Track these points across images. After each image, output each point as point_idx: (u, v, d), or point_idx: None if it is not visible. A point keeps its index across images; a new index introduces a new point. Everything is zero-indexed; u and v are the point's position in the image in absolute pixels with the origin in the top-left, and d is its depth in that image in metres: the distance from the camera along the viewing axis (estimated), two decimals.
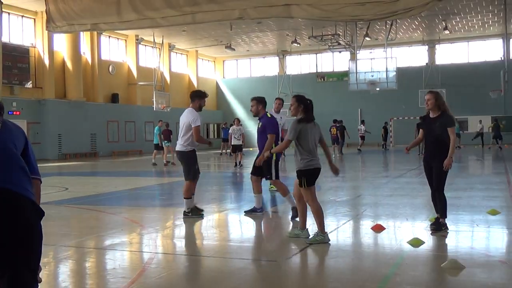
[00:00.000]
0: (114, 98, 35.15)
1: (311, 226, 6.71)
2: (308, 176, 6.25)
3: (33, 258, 2.50)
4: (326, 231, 6.28)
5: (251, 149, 34.13)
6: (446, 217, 6.82)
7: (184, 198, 8.30)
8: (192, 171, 8.22)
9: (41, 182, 2.83)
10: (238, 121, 20.92)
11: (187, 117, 8.16)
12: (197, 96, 8.35)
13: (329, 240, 6.27)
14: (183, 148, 8.21)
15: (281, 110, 11.02)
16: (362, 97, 37.58)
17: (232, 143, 19.99)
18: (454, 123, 6.84)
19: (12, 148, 2.59)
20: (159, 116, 36.75)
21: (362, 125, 34.31)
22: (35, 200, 2.60)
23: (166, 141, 21.72)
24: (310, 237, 6.32)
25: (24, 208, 2.47)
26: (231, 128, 20.72)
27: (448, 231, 6.71)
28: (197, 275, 5.22)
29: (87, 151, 31.91)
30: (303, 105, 6.36)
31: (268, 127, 8.11)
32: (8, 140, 2.60)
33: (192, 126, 8.04)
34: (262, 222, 8.34)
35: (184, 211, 8.30)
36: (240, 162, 19.43)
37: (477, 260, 5.41)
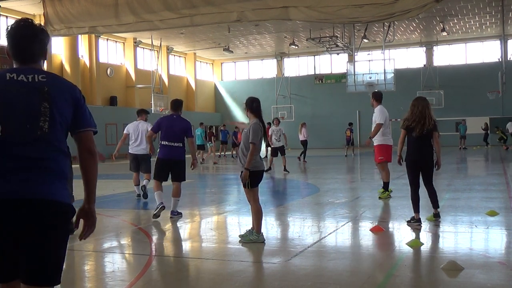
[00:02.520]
0: (112, 101, 35.14)
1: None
2: (254, 177, 6.35)
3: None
4: (262, 231, 6.47)
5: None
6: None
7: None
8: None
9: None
10: (278, 121, 19.04)
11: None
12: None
13: (264, 240, 6.39)
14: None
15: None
16: (360, 99, 37.60)
17: (273, 146, 18.05)
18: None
19: None
20: (158, 119, 36.83)
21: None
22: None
23: (209, 142, 23.79)
24: (243, 234, 6.52)
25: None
26: (270, 129, 18.56)
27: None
28: (196, 278, 5.21)
29: None
30: (250, 108, 6.46)
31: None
32: None
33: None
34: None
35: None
36: (285, 168, 17.41)
37: (476, 261, 5.41)
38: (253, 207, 6.47)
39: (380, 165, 10.54)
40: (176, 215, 8.56)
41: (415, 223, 7.32)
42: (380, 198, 10.21)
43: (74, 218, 2.81)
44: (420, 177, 7.48)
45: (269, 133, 18.04)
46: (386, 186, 10.35)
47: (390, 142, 10.44)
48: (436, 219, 7.54)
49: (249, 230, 6.54)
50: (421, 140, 7.28)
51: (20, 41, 2.82)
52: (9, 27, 2.83)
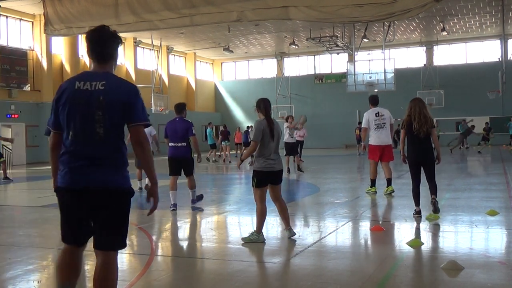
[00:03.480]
0: None
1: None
2: (259, 177, 6.38)
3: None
4: (288, 227, 6.57)
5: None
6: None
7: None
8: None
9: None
10: (292, 119, 18.49)
11: None
12: None
13: (264, 240, 6.45)
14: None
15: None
16: (361, 99, 37.55)
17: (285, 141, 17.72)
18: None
19: None
20: (157, 119, 36.74)
21: None
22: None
23: (225, 141, 24.24)
24: (245, 236, 6.58)
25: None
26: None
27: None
28: (196, 278, 5.21)
29: None
30: (258, 107, 6.54)
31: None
32: None
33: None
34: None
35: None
36: (299, 167, 17.39)
37: (476, 261, 5.41)
38: (256, 207, 6.54)
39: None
40: (197, 201, 9.72)
41: (416, 215, 7.82)
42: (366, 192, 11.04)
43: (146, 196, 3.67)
44: (423, 173, 7.90)
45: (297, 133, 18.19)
46: (372, 182, 11.09)
47: (374, 142, 10.94)
48: (432, 202, 7.71)
49: (252, 231, 6.62)
50: (421, 139, 7.69)
51: (95, 45, 3.49)
52: (88, 33, 3.54)
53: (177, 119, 9.39)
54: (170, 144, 9.41)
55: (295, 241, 6.50)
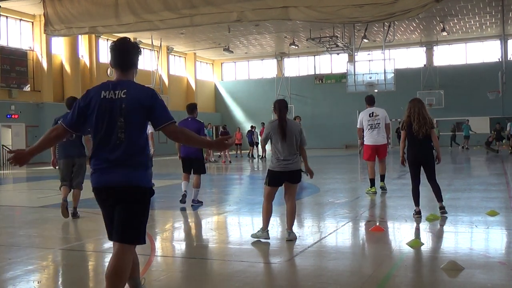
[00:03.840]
0: None
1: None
2: (271, 177, 6.55)
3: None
4: (291, 229, 6.56)
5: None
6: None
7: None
8: None
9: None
10: (299, 119, 18.34)
11: None
12: None
13: (268, 238, 6.51)
14: None
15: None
16: (361, 99, 37.45)
17: None
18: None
19: None
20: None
21: None
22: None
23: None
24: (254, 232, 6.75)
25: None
26: None
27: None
28: (196, 278, 5.21)
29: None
30: (273, 108, 6.72)
31: None
32: None
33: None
34: (261, 225, 8.35)
35: None
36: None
37: (476, 261, 5.41)
38: (262, 204, 6.67)
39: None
40: (196, 203, 9.82)
41: (415, 215, 7.82)
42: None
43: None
44: (422, 173, 7.95)
45: None
46: (371, 182, 11.17)
47: (368, 142, 11.13)
48: (442, 212, 7.84)
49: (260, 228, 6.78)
50: (420, 139, 7.72)
51: (118, 55, 3.89)
52: (112, 44, 3.91)
53: (189, 119, 9.77)
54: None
55: (295, 241, 6.50)
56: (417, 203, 7.91)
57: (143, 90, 3.78)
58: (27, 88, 29.21)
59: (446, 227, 7.31)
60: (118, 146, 3.67)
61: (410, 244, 6.04)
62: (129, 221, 3.66)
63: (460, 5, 29.65)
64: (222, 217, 9.10)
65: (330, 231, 7.38)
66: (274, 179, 6.52)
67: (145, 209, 3.75)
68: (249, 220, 8.76)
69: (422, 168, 7.95)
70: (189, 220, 8.74)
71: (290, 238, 6.49)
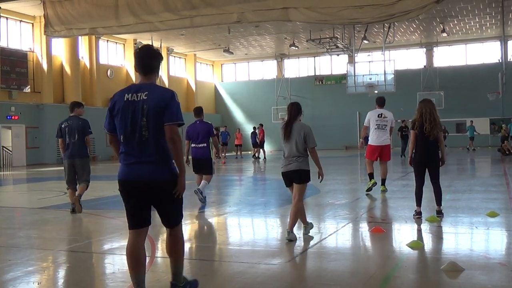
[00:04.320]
0: None
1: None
2: (283, 177, 6.85)
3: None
4: (291, 229, 6.62)
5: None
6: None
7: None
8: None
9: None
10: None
11: None
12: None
13: (290, 239, 6.52)
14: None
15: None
16: (360, 100, 37.63)
17: None
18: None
19: None
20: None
21: None
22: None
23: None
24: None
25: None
26: None
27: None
28: (196, 279, 5.20)
29: None
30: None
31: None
32: None
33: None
34: (261, 226, 8.35)
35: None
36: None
37: (477, 262, 5.41)
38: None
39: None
40: (199, 194, 9.99)
41: (416, 216, 7.83)
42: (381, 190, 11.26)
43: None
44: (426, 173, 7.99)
45: None
46: (370, 176, 11.37)
47: (373, 142, 11.30)
48: (438, 216, 7.81)
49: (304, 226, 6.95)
50: (429, 140, 7.74)
51: (142, 60, 4.25)
52: (135, 50, 4.32)
53: (198, 121, 10.31)
54: (192, 145, 10.25)
55: (295, 242, 6.50)
56: (418, 203, 7.90)
57: (163, 92, 4.17)
58: (27, 89, 29.22)
59: (446, 228, 7.30)
60: (143, 143, 4.07)
61: (410, 245, 6.03)
62: (168, 209, 4.23)
63: (460, 6, 29.67)
64: (222, 218, 9.10)
65: (331, 232, 7.38)
66: (284, 180, 6.86)
67: (172, 198, 4.15)
68: (249, 222, 8.76)
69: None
70: (188, 221, 8.73)
71: (289, 238, 6.49)
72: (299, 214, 6.77)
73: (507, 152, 24.34)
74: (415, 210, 7.92)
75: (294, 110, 6.80)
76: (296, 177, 6.67)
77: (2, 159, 27.50)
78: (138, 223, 4.18)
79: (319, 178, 6.78)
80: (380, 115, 11.17)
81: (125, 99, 4.12)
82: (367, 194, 10.96)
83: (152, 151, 4.07)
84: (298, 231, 7.04)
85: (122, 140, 4.14)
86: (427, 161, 7.87)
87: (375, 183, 11.08)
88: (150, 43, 33.70)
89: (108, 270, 5.60)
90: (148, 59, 4.27)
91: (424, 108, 7.76)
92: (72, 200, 9.27)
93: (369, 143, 11.35)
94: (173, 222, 4.33)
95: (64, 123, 9.40)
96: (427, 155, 7.84)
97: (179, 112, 4.13)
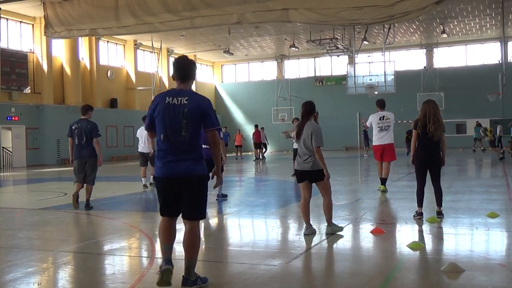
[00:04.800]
0: (113, 103, 35.15)
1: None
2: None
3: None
4: (308, 224, 7.00)
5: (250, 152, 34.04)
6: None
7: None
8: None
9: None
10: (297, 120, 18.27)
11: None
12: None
13: (309, 233, 6.85)
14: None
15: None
16: (361, 101, 37.64)
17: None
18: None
19: None
20: None
21: None
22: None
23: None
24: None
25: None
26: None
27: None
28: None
29: None
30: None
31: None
32: None
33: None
34: (261, 227, 8.35)
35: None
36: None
37: (477, 263, 5.41)
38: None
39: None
40: (221, 198, 10.77)
41: (417, 216, 7.88)
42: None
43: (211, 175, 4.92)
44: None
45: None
46: (380, 180, 11.75)
47: (376, 142, 11.71)
48: (439, 217, 7.82)
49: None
50: (431, 141, 7.76)
51: (180, 69, 4.71)
52: (174, 60, 4.79)
53: None
54: (203, 146, 10.84)
55: (295, 243, 6.49)
56: (420, 204, 7.92)
57: (202, 99, 4.68)
58: (28, 90, 29.23)
59: (446, 229, 7.30)
60: (181, 143, 4.57)
61: (410, 246, 6.03)
62: (196, 203, 4.67)
63: (460, 7, 29.67)
64: (222, 219, 9.10)
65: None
66: (296, 177, 7.13)
67: (204, 192, 4.68)
68: (249, 222, 8.76)
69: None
70: None
71: (305, 231, 6.92)
72: (331, 207, 7.05)
73: (501, 156, 24.17)
74: (416, 211, 7.94)
75: (306, 109, 6.96)
76: (311, 177, 6.90)
77: (2, 160, 27.50)
78: (169, 213, 4.75)
79: (323, 178, 6.82)
80: (381, 118, 11.50)
81: (166, 101, 4.59)
82: (378, 190, 11.58)
83: (189, 150, 4.60)
84: (299, 232, 7.02)
85: (162, 138, 4.60)
86: (429, 162, 7.87)
87: (384, 190, 11.38)
88: (150, 44, 33.79)
89: (108, 271, 5.60)
90: (185, 68, 4.73)
91: (428, 108, 7.75)
92: (77, 191, 9.91)
93: (373, 144, 11.77)
94: (196, 216, 4.73)
95: (75, 124, 9.87)
96: (429, 156, 7.84)
97: (217, 118, 4.74)
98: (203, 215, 4.81)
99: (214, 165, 5.81)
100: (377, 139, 11.60)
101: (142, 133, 13.81)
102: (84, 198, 9.90)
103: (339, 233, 6.98)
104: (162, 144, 4.62)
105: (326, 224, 7.04)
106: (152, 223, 8.74)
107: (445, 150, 7.93)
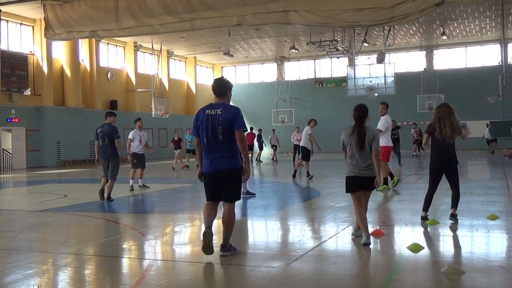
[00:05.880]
0: (113, 105, 35.16)
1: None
2: (346, 182, 6.64)
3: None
4: (362, 230, 6.49)
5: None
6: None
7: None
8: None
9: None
10: (314, 123, 17.11)
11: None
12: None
13: (358, 235, 6.65)
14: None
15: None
16: (361, 103, 37.58)
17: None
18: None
19: None
20: (158, 123, 36.68)
21: None
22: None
23: (178, 149, 24.02)
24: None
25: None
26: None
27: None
28: (196, 282, 5.20)
29: (85, 158, 31.88)
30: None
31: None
32: None
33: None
34: (261, 228, 8.34)
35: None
36: (307, 173, 16.31)
37: (477, 265, 5.40)
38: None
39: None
40: (247, 195, 11.34)
41: (421, 220, 7.80)
42: (377, 190, 11.17)
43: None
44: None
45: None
46: (384, 181, 12.04)
47: (388, 143, 12.43)
48: (451, 218, 7.70)
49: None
50: (445, 146, 7.61)
51: (217, 87, 6.08)
52: (213, 81, 6.17)
53: None
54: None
55: (295, 245, 6.49)
56: (426, 208, 7.85)
57: (231, 109, 5.93)
58: (28, 92, 29.23)
59: (446, 231, 7.30)
60: (220, 144, 5.85)
61: (410, 248, 6.03)
62: (234, 189, 5.97)
63: (460, 9, 29.69)
64: None
65: (331, 235, 7.38)
66: (348, 185, 6.61)
67: (239, 181, 6.01)
68: (249, 224, 8.75)
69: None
70: (188, 224, 8.73)
71: (365, 242, 6.36)
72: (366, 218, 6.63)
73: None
74: (421, 215, 7.85)
75: (361, 113, 6.58)
76: (369, 183, 6.52)
77: (2, 161, 27.50)
78: (212, 198, 6.03)
79: (375, 185, 6.58)
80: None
81: (206, 113, 5.90)
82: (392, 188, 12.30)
83: (225, 149, 5.86)
84: (299, 234, 7.00)
85: (205, 142, 5.89)
86: (444, 168, 7.75)
87: (399, 180, 12.52)
88: (151, 46, 33.78)
89: (108, 273, 5.59)
90: (221, 87, 6.06)
91: (440, 112, 7.62)
92: (103, 185, 11.53)
93: (385, 144, 11.99)
94: (233, 198, 6.00)
95: (99, 128, 11.62)
96: (443, 163, 7.72)
97: (244, 122, 5.92)
98: (238, 198, 6.07)
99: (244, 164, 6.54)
100: (389, 141, 12.50)
101: (136, 135, 14.06)
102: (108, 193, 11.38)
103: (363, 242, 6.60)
104: (206, 146, 5.91)
105: (363, 233, 6.51)
106: (151, 225, 8.75)
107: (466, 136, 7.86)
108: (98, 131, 11.54)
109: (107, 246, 6.95)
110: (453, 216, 7.73)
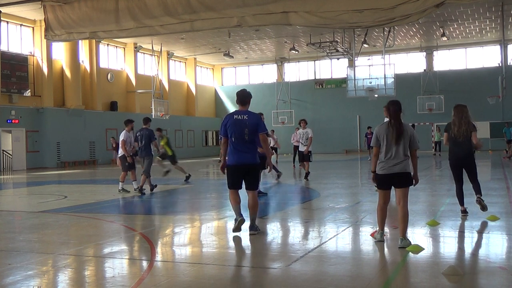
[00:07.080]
0: (113, 106, 35.18)
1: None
2: (377, 179, 6.55)
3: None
4: (404, 235, 6.31)
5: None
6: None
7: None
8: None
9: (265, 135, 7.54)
10: (305, 123, 16.70)
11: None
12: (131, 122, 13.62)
13: (381, 240, 6.50)
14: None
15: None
16: (361, 104, 37.67)
17: (299, 149, 16.94)
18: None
19: None
20: (158, 124, 36.70)
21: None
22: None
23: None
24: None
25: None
26: (298, 132, 17.50)
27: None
28: (196, 283, 5.20)
29: (85, 159, 31.88)
30: (387, 109, 6.51)
31: None
32: None
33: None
34: (261, 229, 8.34)
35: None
36: (306, 175, 16.47)
37: (477, 266, 5.40)
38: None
39: None
40: (261, 194, 11.54)
41: (462, 214, 8.41)
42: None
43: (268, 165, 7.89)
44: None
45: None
46: None
47: None
48: (478, 199, 8.41)
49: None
50: (463, 143, 8.33)
51: (241, 97, 7.50)
52: (237, 92, 7.59)
53: None
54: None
55: (296, 246, 6.48)
56: (461, 202, 8.47)
57: (255, 115, 7.42)
58: (28, 93, 29.25)
59: (446, 232, 7.30)
60: (246, 142, 7.25)
61: (410, 249, 6.02)
62: (254, 179, 7.47)
63: (460, 10, 29.72)
64: (222, 222, 9.09)
65: (331, 236, 7.37)
66: (380, 182, 6.53)
67: (259, 173, 7.66)
68: (247, 224, 8.73)
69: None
70: (188, 225, 8.73)
71: (402, 245, 6.21)
72: (407, 218, 6.38)
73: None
74: (460, 209, 8.45)
75: (396, 108, 6.40)
76: (400, 180, 6.35)
77: (2, 163, 27.50)
78: (234, 187, 7.37)
79: (413, 183, 6.41)
80: None
81: (235, 118, 7.27)
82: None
83: (249, 147, 7.28)
84: (299, 235, 7.00)
85: (234, 140, 7.22)
86: (462, 164, 8.45)
87: None
88: (151, 47, 33.82)
89: (108, 274, 5.59)
90: (246, 97, 7.50)
91: (458, 113, 8.69)
92: (142, 183, 13.24)
93: None
94: (255, 187, 7.47)
95: (138, 132, 13.56)
96: (461, 159, 8.39)
97: (265, 126, 7.43)
98: (258, 186, 7.73)
99: (266, 158, 7.91)
100: None
101: (128, 137, 13.51)
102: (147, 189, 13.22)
103: (376, 240, 6.61)
104: (234, 144, 7.23)
105: (399, 237, 6.38)
106: (151, 226, 8.74)
107: (478, 145, 8.40)
108: (137, 134, 13.46)
109: (106, 247, 6.94)
110: (479, 200, 8.35)
